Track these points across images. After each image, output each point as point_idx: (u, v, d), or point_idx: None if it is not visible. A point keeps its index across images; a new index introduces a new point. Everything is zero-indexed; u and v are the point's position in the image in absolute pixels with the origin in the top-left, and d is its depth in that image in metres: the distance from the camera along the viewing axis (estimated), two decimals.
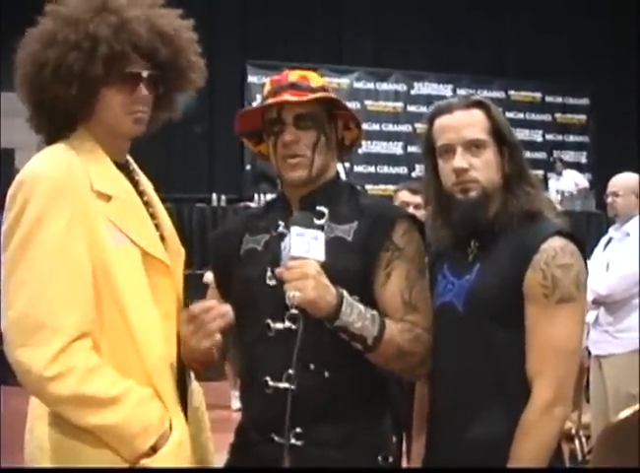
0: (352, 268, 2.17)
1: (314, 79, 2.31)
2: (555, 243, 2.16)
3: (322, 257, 2.06)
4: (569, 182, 13.55)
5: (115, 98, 2.12)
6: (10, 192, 2.03)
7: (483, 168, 2.22)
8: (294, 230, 2.06)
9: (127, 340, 2.04)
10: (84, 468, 2.03)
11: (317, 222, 2.20)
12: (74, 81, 2.06)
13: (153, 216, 2.23)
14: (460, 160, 2.22)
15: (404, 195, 4.45)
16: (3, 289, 2.00)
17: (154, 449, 1.99)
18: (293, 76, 2.29)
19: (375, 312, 2.14)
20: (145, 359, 2.05)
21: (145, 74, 2.14)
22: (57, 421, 2.02)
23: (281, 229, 2.25)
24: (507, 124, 2.30)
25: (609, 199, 5.22)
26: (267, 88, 2.31)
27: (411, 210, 3.90)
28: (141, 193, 2.23)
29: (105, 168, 2.13)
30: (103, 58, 2.06)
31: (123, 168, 2.21)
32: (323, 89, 2.29)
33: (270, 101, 2.26)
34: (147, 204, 2.23)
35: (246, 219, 2.44)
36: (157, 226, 2.22)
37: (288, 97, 2.23)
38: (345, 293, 2.09)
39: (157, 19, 2.16)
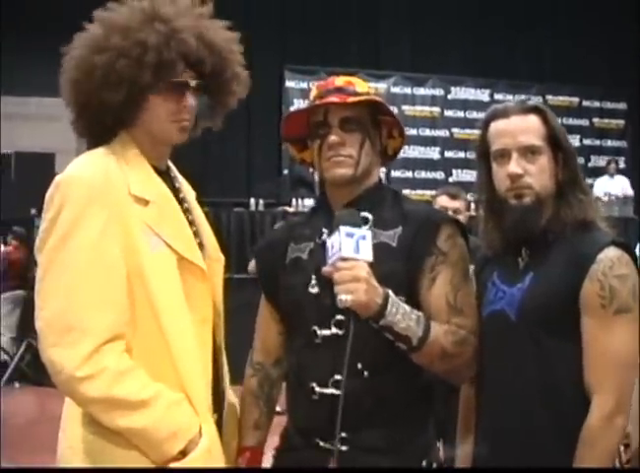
0: (397, 273, 2.18)
1: (360, 84, 2.33)
2: (611, 254, 2.14)
3: (370, 258, 2.06)
4: (617, 187, 13.46)
5: (162, 105, 2.15)
6: (47, 194, 2.07)
7: (538, 174, 2.21)
8: (344, 229, 2.06)
9: (160, 344, 2.06)
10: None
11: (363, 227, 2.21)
12: (122, 87, 2.09)
13: (192, 223, 2.25)
14: (515, 165, 2.20)
15: (443, 200, 4.45)
16: (38, 289, 2.03)
17: (183, 454, 2.01)
18: (340, 81, 2.32)
19: (421, 314, 2.15)
20: (177, 363, 2.07)
21: (192, 83, 2.17)
22: (90, 421, 2.04)
23: (324, 236, 2.25)
24: (563, 130, 2.28)
25: None
26: (313, 92, 2.34)
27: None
28: (181, 200, 2.25)
29: (144, 173, 2.16)
30: (152, 66, 2.10)
31: (164, 174, 2.24)
32: (368, 95, 2.31)
33: (316, 103, 2.28)
34: (187, 211, 2.25)
35: (290, 227, 2.46)
36: (196, 233, 2.24)
37: (333, 99, 2.25)
38: (390, 292, 2.10)
39: (206, 30, 2.19)
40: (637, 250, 5.06)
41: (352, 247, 2.05)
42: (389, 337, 2.12)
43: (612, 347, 2.11)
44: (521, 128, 2.23)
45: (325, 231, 2.25)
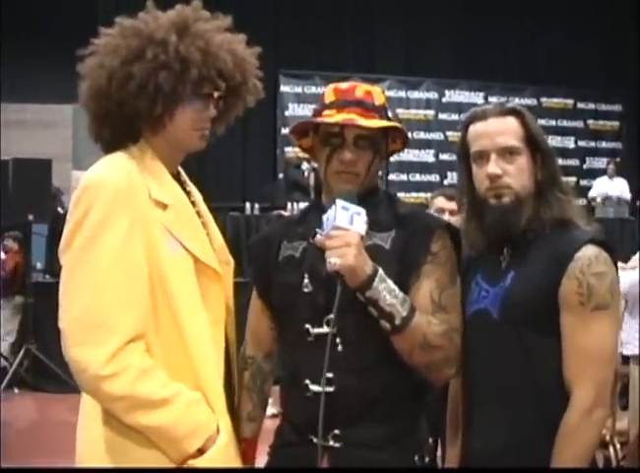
0: (389, 276, 2.17)
1: (378, 96, 2.32)
2: (589, 252, 2.18)
3: (363, 231, 2.12)
4: (615, 190, 13.49)
5: (186, 115, 2.20)
6: (74, 196, 2.11)
7: (517, 174, 2.25)
8: (340, 203, 2.12)
9: (179, 344, 2.11)
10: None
11: None
12: (159, 99, 2.15)
13: (204, 226, 2.30)
14: (494, 166, 2.24)
15: (440, 201, 4.49)
16: (62, 290, 2.07)
17: (201, 451, 2.06)
18: (360, 91, 2.30)
19: (407, 297, 2.18)
20: (195, 363, 2.12)
21: (216, 95, 2.23)
22: (110, 420, 2.08)
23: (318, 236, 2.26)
24: (541, 131, 2.32)
25: None
26: (330, 97, 2.31)
27: (446, 216, 4.00)
28: (192, 204, 2.30)
29: (163, 178, 2.21)
30: (193, 81, 2.16)
31: (175, 178, 2.28)
32: (384, 108, 2.32)
33: (338, 119, 2.25)
34: (198, 214, 2.30)
35: (283, 225, 2.49)
36: (207, 235, 2.29)
37: (356, 117, 2.24)
38: (380, 268, 2.13)
39: (235, 45, 2.26)
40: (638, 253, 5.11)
41: (346, 219, 2.11)
42: (373, 312, 2.13)
43: (591, 343, 2.15)
44: (499, 130, 2.28)
45: (319, 231, 2.25)
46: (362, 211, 2.14)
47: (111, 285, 2.03)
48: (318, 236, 2.15)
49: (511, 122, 2.29)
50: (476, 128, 2.32)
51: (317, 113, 2.33)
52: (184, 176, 2.37)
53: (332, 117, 2.27)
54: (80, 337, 2.01)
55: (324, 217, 2.15)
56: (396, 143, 2.41)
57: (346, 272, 2.09)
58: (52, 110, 10.90)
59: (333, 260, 2.07)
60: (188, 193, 2.32)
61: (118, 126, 2.21)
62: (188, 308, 2.13)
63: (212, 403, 2.13)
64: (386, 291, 2.13)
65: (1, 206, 9.00)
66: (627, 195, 13.58)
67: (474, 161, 2.32)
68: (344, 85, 2.34)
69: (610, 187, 13.51)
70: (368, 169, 2.28)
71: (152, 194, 2.15)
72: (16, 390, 9.13)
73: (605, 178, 13.78)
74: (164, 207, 2.16)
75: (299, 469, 2.26)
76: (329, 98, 2.32)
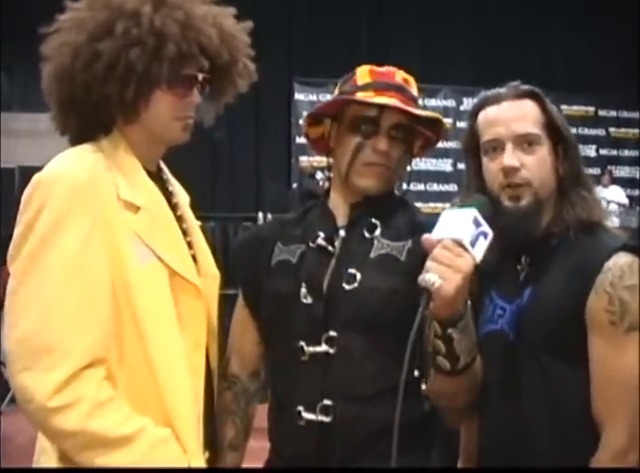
0: (402, 290, 1.95)
1: (414, 86, 2.10)
2: (622, 261, 1.89)
3: (479, 260, 1.78)
4: (610, 197, 13.40)
5: (165, 101, 1.91)
6: (25, 194, 1.81)
7: (537, 167, 1.96)
8: (474, 213, 1.80)
9: (147, 371, 1.82)
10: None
11: (367, 235, 2.03)
12: (131, 81, 1.85)
13: (185, 232, 2.02)
14: (510, 157, 1.95)
15: None
16: (9, 303, 1.78)
17: None
18: (399, 77, 2.08)
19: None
20: (164, 393, 1.83)
21: (200, 77, 1.94)
22: (66, 459, 1.79)
23: (320, 241, 2.04)
24: (563, 119, 2.02)
25: None
26: (364, 78, 2.06)
27: None
28: (174, 206, 2.03)
29: (136, 175, 1.92)
30: (170, 59, 1.86)
31: (155, 177, 2.00)
32: (417, 100, 2.10)
33: (386, 101, 2.01)
34: (179, 219, 2.02)
35: (277, 225, 2.23)
36: (189, 244, 2.01)
37: (397, 103, 2.00)
38: (469, 305, 1.86)
39: (222, 19, 1.96)
40: None
41: (470, 237, 1.78)
42: (439, 348, 1.86)
43: (624, 371, 1.86)
44: (516, 115, 1.98)
45: (321, 234, 2.04)
46: (490, 234, 1.81)
47: (65, 299, 1.74)
48: (428, 236, 1.80)
49: (529, 106, 2.01)
50: (487, 114, 2.03)
51: (346, 95, 2.07)
52: (167, 174, 2.09)
53: (372, 99, 2.02)
54: (27, 361, 1.72)
55: (446, 214, 1.84)
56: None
57: (438, 299, 1.76)
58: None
59: (433, 279, 1.73)
60: (170, 194, 2.04)
61: (85, 114, 1.92)
62: (159, 329, 1.83)
63: (184, 441, 1.83)
64: (467, 332, 1.85)
65: (7, 215, 8.87)
66: (624, 201, 13.54)
67: (485, 153, 2.02)
68: (380, 68, 2.10)
69: (606, 195, 13.36)
70: (397, 164, 2.06)
71: (120, 194, 1.85)
72: None
73: (599, 188, 13.64)
74: (136, 209, 1.86)
75: (299, 469, 2.02)
76: (363, 79, 2.07)
